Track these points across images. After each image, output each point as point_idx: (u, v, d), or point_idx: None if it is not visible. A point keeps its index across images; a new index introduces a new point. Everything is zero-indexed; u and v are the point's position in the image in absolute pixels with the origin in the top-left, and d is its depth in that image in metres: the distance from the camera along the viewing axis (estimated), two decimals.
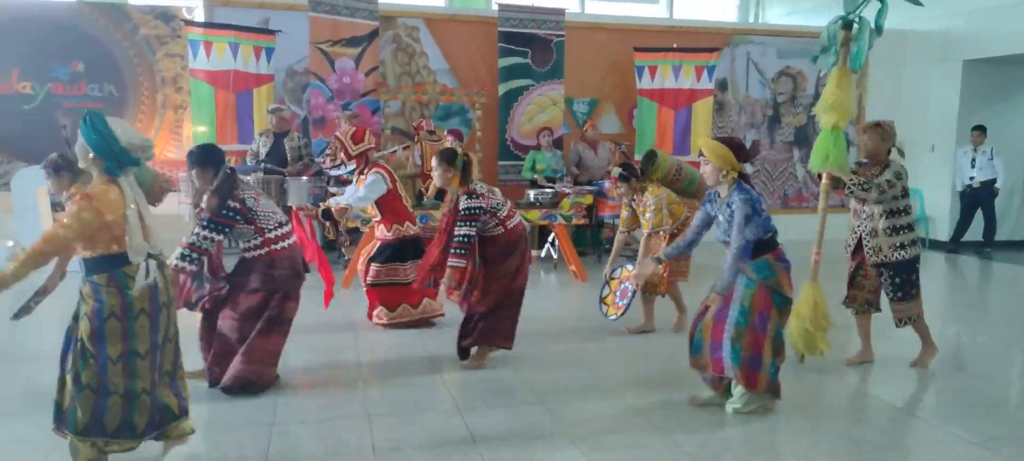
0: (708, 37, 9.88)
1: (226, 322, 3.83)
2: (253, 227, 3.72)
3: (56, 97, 7.97)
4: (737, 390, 3.62)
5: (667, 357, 4.67)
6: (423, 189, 7.60)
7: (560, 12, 9.29)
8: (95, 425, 2.77)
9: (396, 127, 8.81)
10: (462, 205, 4.16)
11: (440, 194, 7.51)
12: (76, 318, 2.83)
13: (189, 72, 7.92)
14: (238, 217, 3.66)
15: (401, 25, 9.04)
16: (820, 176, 4.26)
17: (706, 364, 3.60)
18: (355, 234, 7.26)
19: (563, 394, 3.93)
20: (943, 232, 10.11)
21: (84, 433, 2.77)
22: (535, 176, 8.44)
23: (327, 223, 7.60)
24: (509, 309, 4.34)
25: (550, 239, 8.28)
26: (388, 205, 5.09)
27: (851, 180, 4.14)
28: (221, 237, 3.66)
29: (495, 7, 9.16)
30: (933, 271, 8.65)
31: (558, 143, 8.95)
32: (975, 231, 9.65)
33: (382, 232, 5.16)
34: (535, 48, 9.11)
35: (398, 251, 5.14)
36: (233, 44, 7.84)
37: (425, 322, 5.28)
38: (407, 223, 5.17)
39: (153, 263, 2.84)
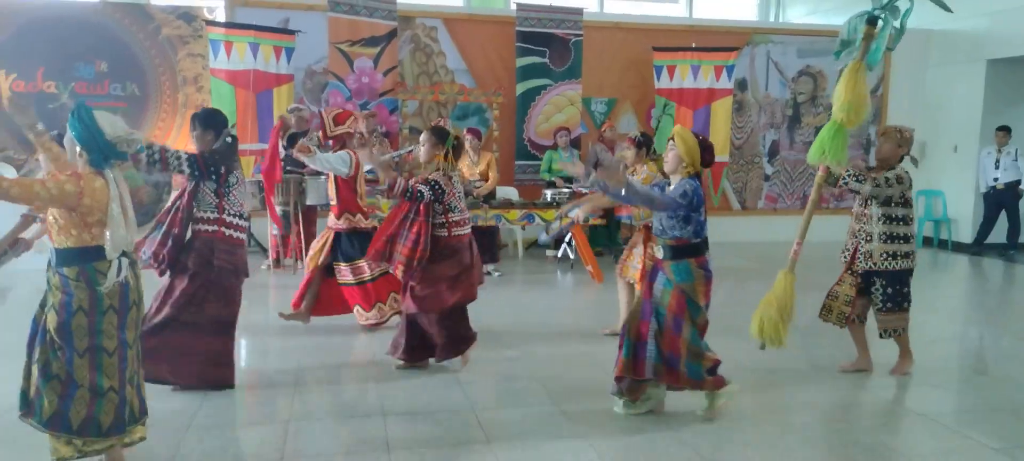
0: (727, 36, 9.82)
1: (154, 303, 3.78)
2: (217, 200, 3.75)
3: (80, 96, 8.08)
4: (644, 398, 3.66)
5: None
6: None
7: (578, 12, 9.27)
8: (60, 419, 2.75)
9: (414, 127, 8.84)
10: (431, 176, 4.13)
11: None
12: (43, 306, 2.82)
13: (210, 72, 8.00)
14: (214, 177, 3.71)
15: (419, 25, 9.07)
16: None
17: (630, 369, 3.54)
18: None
19: (578, 395, 3.92)
20: (966, 234, 9.97)
21: (49, 425, 2.75)
22: (553, 177, 8.43)
23: None
24: (453, 318, 4.25)
25: (567, 239, 8.27)
26: (341, 192, 5.04)
27: (847, 172, 4.07)
28: (187, 172, 3.67)
29: (513, 7, 9.16)
30: (956, 273, 8.53)
31: (576, 143, 8.93)
32: (999, 233, 9.50)
33: (333, 220, 5.12)
34: (553, 48, 9.10)
35: (353, 246, 5.05)
36: (253, 44, 7.90)
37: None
38: (358, 216, 5.09)
39: (125, 261, 2.83)
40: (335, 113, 5.09)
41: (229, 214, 3.80)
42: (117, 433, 2.85)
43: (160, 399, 3.75)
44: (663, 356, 3.50)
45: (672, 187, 3.54)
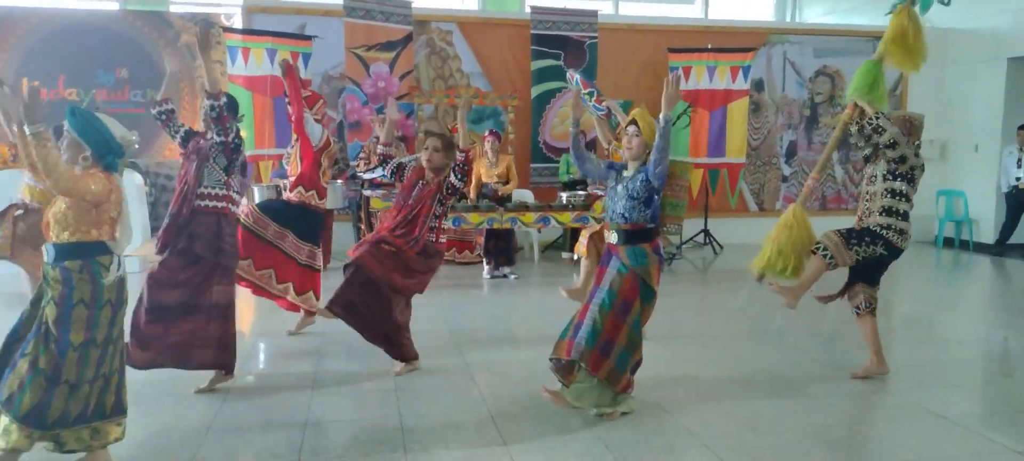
0: (744, 37, 9.77)
1: (155, 288, 3.69)
2: (226, 177, 3.81)
3: (100, 103, 8.21)
4: (575, 387, 3.52)
5: (698, 363, 4.63)
6: (465, 191, 7.68)
7: (593, 13, 9.27)
8: (36, 415, 2.74)
9: (430, 130, 8.85)
10: (455, 182, 4.16)
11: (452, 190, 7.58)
12: (36, 303, 2.83)
13: (228, 78, 8.08)
14: (236, 149, 3.82)
15: (435, 29, 9.11)
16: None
17: (562, 350, 3.50)
18: None
19: None
20: (988, 235, 9.84)
21: (24, 420, 2.73)
22: (572, 178, 8.43)
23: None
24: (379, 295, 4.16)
25: None
26: (304, 164, 5.01)
27: (876, 111, 3.96)
28: (231, 141, 3.78)
29: (528, 10, 9.18)
30: (978, 274, 8.43)
31: (591, 145, 8.91)
32: (1021, 233, 9.37)
33: (285, 193, 5.12)
34: (568, 50, 9.10)
35: (287, 213, 4.97)
36: (270, 50, 7.97)
37: (285, 304, 5.04)
38: (313, 193, 5.03)
39: (125, 259, 2.92)
40: (305, 96, 5.10)
41: (234, 191, 3.88)
42: (82, 423, 2.85)
43: (180, 401, 3.79)
44: (599, 341, 3.42)
45: (629, 176, 3.54)
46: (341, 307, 4.13)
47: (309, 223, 5.07)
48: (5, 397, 2.75)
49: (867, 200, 4.17)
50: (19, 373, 2.76)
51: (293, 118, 4.98)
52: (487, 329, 5.49)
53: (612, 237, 3.56)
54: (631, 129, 3.57)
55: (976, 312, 6.64)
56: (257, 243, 4.85)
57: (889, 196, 4.06)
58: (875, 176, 4.14)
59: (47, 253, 2.83)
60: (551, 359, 3.61)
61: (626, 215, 3.51)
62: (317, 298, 5.09)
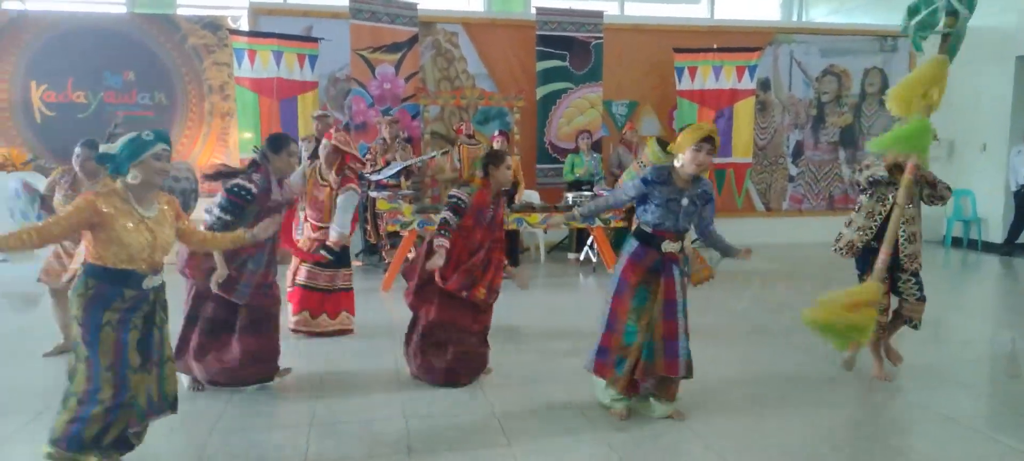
0: (750, 36, 9.75)
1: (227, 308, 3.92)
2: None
3: (108, 106, 8.26)
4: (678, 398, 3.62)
5: (703, 363, 4.62)
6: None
7: (598, 14, 9.27)
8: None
9: (436, 131, 8.89)
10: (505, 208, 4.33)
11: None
12: (148, 320, 2.88)
13: (235, 80, 8.12)
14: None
15: (440, 30, 9.12)
16: (893, 169, 4.07)
17: (662, 369, 3.50)
18: (395, 238, 7.34)
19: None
20: (996, 234, 9.79)
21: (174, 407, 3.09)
22: (576, 178, 8.43)
23: (369, 227, 7.74)
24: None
25: (589, 242, 8.25)
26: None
27: (939, 182, 4.07)
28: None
29: (533, 11, 9.19)
30: (986, 274, 8.38)
31: (597, 146, 8.92)
32: None
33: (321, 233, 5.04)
34: (573, 51, 9.10)
35: (334, 253, 4.97)
36: (276, 52, 8.01)
37: (338, 333, 5.12)
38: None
39: None
40: (329, 122, 5.03)
41: None
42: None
43: (184, 401, 3.80)
44: (689, 349, 3.57)
45: (691, 190, 3.52)
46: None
47: (342, 250, 5.07)
48: (173, 400, 3.07)
49: (907, 223, 4.08)
50: (173, 376, 3.08)
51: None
52: (492, 330, 5.49)
53: (676, 247, 3.58)
54: (707, 146, 3.43)
55: (984, 312, 6.60)
56: (312, 296, 5.01)
57: (917, 223, 4.15)
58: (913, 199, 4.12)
59: (158, 278, 2.90)
60: (644, 381, 3.55)
61: (686, 228, 3.60)
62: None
